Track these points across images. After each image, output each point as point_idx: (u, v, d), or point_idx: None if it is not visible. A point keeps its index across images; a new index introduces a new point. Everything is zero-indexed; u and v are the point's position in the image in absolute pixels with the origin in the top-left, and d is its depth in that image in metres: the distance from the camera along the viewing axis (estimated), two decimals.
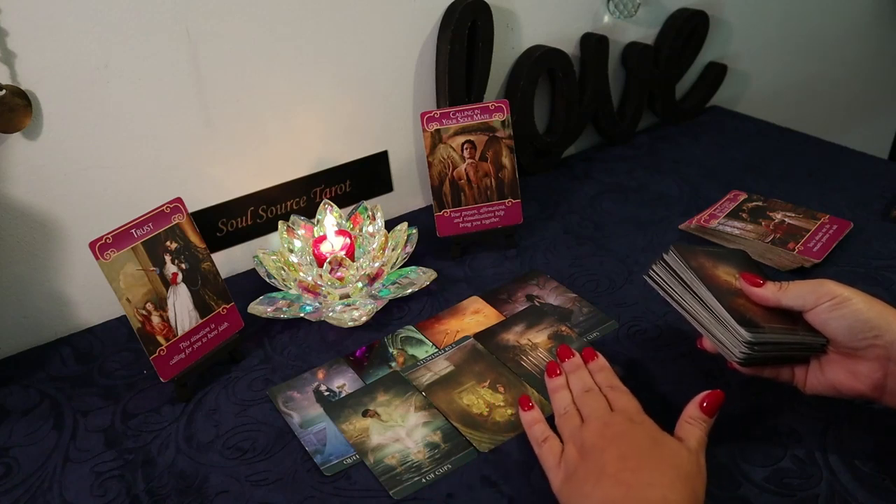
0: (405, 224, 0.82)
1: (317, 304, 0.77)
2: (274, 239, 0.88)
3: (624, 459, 0.50)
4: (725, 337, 0.57)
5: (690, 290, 0.60)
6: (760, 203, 0.89)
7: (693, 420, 0.54)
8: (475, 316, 0.76)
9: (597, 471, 0.50)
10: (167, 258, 0.66)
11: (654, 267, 0.64)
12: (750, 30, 1.22)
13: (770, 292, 0.57)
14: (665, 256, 0.63)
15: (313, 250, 0.78)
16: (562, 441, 0.55)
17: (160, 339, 0.66)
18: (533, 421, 0.59)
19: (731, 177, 0.99)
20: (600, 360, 0.62)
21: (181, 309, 0.67)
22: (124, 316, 0.76)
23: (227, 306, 0.71)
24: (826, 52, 1.39)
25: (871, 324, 0.52)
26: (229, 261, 0.86)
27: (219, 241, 0.84)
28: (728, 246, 0.83)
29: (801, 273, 0.78)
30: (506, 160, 0.83)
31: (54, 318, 0.78)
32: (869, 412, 0.59)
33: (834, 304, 0.54)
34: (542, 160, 1.04)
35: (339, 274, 0.74)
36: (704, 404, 0.54)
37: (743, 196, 0.91)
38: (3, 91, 0.65)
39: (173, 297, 0.67)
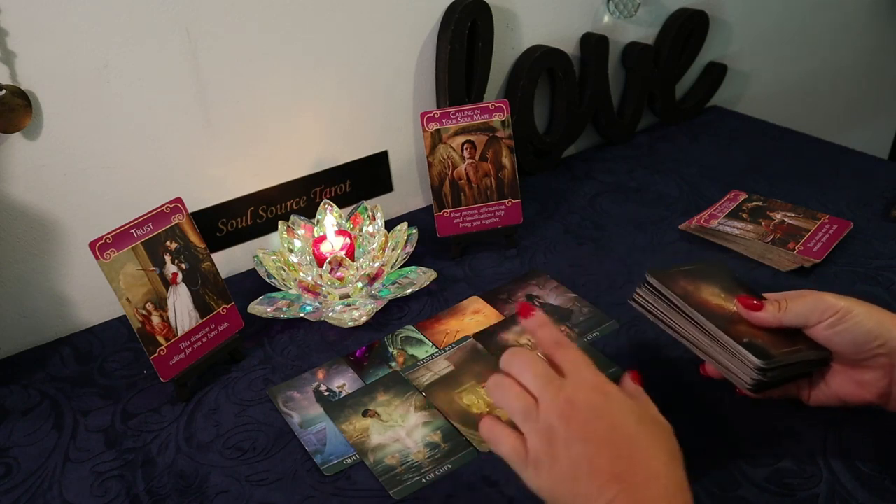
0: (405, 224, 0.82)
1: (317, 304, 0.77)
2: (274, 239, 0.88)
3: (614, 446, 0.46)
4: (733, 364, 0.55)
5: (686, 317, 0.58)
6: (760, 203, 0.89)
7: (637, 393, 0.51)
8: (475, 316, 0.76)
9: (586, 464, 0.45)
10: (167, 258, 0.66)
11: (639, 291, 0.61)
12: (750, 30, 1.22)
13: (770, 315, 0.56)
14: (649, 280, 0.60)
15: (313, 250, 0.78)
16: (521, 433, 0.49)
17: (160, 339, 0.66)
18: (490, 426, 0.51)
19: (731, 177, 0.99)
20: (539, 316, 0.52)
21: (181, 309, 0.67)
22: (124, 316, 0.76)
23: (227, 306, 0.71)
24: (826, 52, 1.39)
25: (873, 334, 0.52)
26: (229, 261, 0.86)
27: (219, 241, 0.84)
28: (728, 246, 0.83)
29: (801, 273, 0.78)
30: (506, 160, 0.83)
31: (54, 318, 0.78)
32: (869, 412, 0.59)
33: (836, 319, 0.53)
34: (542, 160, 1.04)
35: (339, 274, 0.74)
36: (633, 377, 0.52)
37: (743, 196, 0.91)
38: (3, 91, 0.65)
39: (173, 297, 0.67)
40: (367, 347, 0.73)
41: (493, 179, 0.84)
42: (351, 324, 0.74)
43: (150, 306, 0.65)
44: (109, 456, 0.63)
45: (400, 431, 0.62)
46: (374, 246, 0.78)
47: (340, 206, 0.86)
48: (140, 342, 0.65)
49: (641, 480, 0.44)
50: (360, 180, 0.92)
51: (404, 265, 0.81)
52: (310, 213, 0.85)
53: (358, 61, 0.85)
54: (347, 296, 0.77)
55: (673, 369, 0.66)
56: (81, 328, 0.80)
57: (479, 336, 0.73)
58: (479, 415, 0.63)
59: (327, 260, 0.74)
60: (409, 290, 0.78)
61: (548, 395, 0.48)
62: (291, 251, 0.79)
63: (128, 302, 0.64)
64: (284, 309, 0.76)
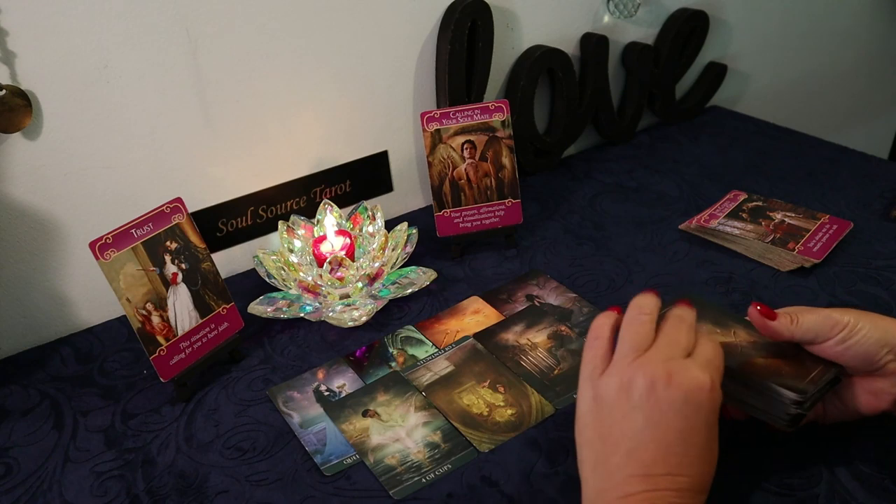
0: (405, 224, 0.82)
1: (317, 304, 0.77)
2: (274, 239, 0.88)
3: (666, 449, 0.45)
4: (762, 403, 0.53)
5: None
6: (760, 203, 0.89)
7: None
8: (475, 316, 0.76)
9: (631, 444, 0.45)
10: (167, 258, 0.66)
11: None
12: (750, 30, 1.22)
13: (783, 327, 0.54)
14: None
15: (313, 250, 0.78)
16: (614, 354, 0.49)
17: (160, 339, 0.66)
18: (601, 325, 0.51)
19: (731, 177, 0.99)
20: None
21: (181, 309, 0.67)
22: (124, 316, 0.76)
23: (227, 306, 0.71)
24: (826, 52, 1.39)
25: (881, 342, 0.51)
26: (229, 261, 0.86)
27: (219, 241, 0.84)
28: (728, 246, 0.83)
29: (801, 273, 0.78)
30: (506, 160, 0.83)
31: (54, 318, 0.78)
32: None
33: (846, 333, 0.52)
34: (542, 160, 1.04)
35: (339, 274, 0.74)
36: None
37: (743, 196, 0.92)
38: (3, 91, 0.65)
39: (173, 297, 0.67)
40: (367, 347, 0.73)
41: (493, 179, 0.84)
42: (351, 324, 0.74)
43: (150, 306, 0.65)
44: (109, 456, 0.63)
45: (400, 431, 0.62)
46: (374, 246, 0.78)
47: (340, 206, 0.86)
48: (140, 342, 0.65)
49: (664, 491, 0.44)
50: (360, 180, 0.92)
51: (404, 265, 0.81)
52: (310, 213, 0.85)
53: (358, 61, 0.85)
54: (347, 296, 0.77)
55: None
56: (81, 328, 0.80)
57: (479, 336, 0.73)
58: (480, 415, 0.63)
59: (327, 260, 0.74)
60: (409, 290, 0.78)
61: (659, 354, 0.47)
62: (291, 251, 0.79)
63: (128, 302, 0.64)
64: (284, 309, 0.76)
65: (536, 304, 0.77)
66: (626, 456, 0.45)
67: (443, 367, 0.69)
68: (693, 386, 0.46)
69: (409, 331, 0.75)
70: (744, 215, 0.87)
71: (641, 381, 0.46)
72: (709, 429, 0.47)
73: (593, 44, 1.00)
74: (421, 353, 0.71)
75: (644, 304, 0.52)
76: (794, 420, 0.52)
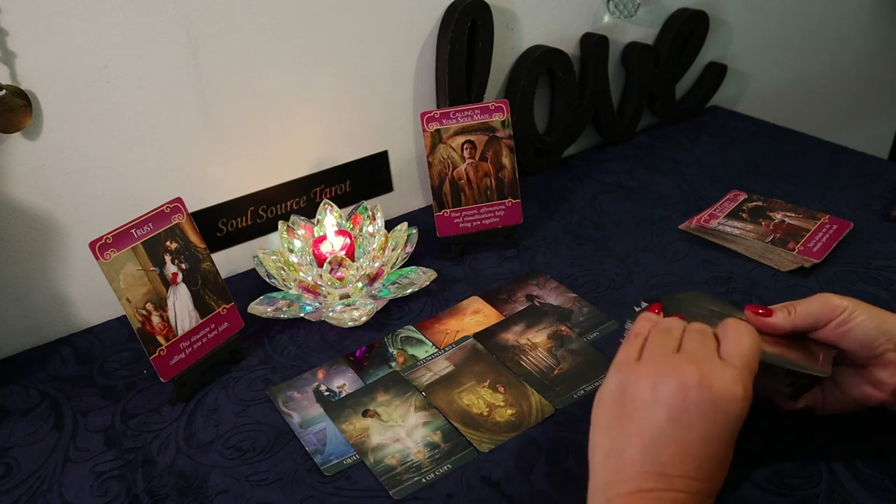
0: (405, 224, 0.82)
1: (317, 304, 0.77)
2: (274, 239, 0.88)
3: (683, 451, 0.45)
4: (758, 380, 0.52)
5: None
6: (760, 203, 0.89)
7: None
8: (475, 316, 0.76)
9: (650, 439, 0.45)
10: (167, 258, 0.66)
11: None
12: (750, 30, 1.22)
13: (782, 320, 0.54)
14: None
15: (313, 250, 0.78)
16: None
17: (160, 339, 0.66)
18: (645, 317, 0.53)
19: (731, 177, 0.99)
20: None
21: (181, 309, 0.67)
22: (124, 316, 0.76)
23: (227, 306, 0.71)
24: (826, 52, 1.39)
25: (880, 330, 0.52)
26: (229, 261, 0.86)
27: (219, 241, 0.84)
28: (728, 246, 0.83)
29: (801, 273, 0.78)
30: (506, 160, 0.83)
31: (54, 318, 0.78)
32: (868, 412, 0.59)
33: (845, 316, 0.52)
34: (542, 160, 1.04)
35: (339, 274, 0.74)
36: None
37: (743, 196, 0.91)
38: (3, 91, 0.65)
39: (173, 297, 0.67)
40: (367, 347, 0.73)
41: (493, 179, 0.84)
42: (351, 324, 0.74)
43: (150, 306, 0.65)
44: (109, 456, 0.63)
45: (400, 431, 0.62)
46: (374, 246, 0.78)
47: (340, 206, 0.86)
48: (140, 342, 0.65)
49: (677, 492, 0.44)
50: (360, 180, 0.92)
51: (404, 265, 0.81)
52: (310, 213, 0.85)
53: (358, 61, 0.85)
54: (347, 296, 0.77)
55: None
56: (81, 328, 0.80)
57: (479, 336, 0.73)
58: (480, 415, 0.63)
59: (327, 260, 0.74)
60: (409, 290, 0.78)
61: (691, 353, 0.48)
62: (291, 251, 0.79)
63: (128, 302, 0.64)
64: (284, 309, 0.76)
65: (536, 304, 0.77)
66: (642, 451, 0.45)
67: (443, 367, 0.69)
68: (725, 394, 0.46)
69: (409, 331, 0.75)
70: (744, 215, 0.87)
71: (673, 378, 0.46)
72: (731, 436, 0.47)
73: (593, 44, 1.00)
74: (421, 353, 0.71)
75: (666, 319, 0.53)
76: (795, 388, 0.53)
